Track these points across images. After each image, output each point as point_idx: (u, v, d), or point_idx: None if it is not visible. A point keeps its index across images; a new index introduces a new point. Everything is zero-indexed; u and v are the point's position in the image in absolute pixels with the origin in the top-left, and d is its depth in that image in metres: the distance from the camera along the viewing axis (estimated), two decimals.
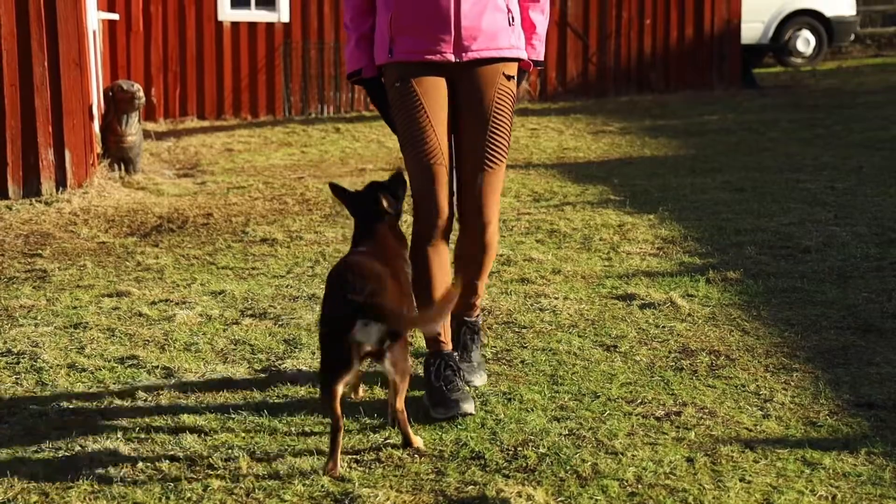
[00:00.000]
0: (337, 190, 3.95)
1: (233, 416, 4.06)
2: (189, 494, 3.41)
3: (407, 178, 4.07)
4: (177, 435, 3.89)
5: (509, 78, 4.10)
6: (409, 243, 4.06)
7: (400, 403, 3.62)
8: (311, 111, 14.58)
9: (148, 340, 4.97)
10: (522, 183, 8.79)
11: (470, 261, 4.21)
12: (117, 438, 3.86)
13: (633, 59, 15.94)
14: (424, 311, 3.91)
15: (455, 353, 4.15)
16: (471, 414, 3.89)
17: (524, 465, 3.56)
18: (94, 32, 11.24)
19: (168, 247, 6.93)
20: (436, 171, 4.02)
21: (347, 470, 3.54)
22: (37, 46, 8.14)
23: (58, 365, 4.65)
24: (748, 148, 10.57)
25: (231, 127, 13.33)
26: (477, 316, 4.38)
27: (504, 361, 4.55)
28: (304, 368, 4.51)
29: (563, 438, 3.75)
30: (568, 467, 3.52)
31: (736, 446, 3.65)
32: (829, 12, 18.59)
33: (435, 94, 4.03)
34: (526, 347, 4.74)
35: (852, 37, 19.80)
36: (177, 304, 5.54)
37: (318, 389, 4.21)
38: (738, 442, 3.69)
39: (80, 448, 3.77)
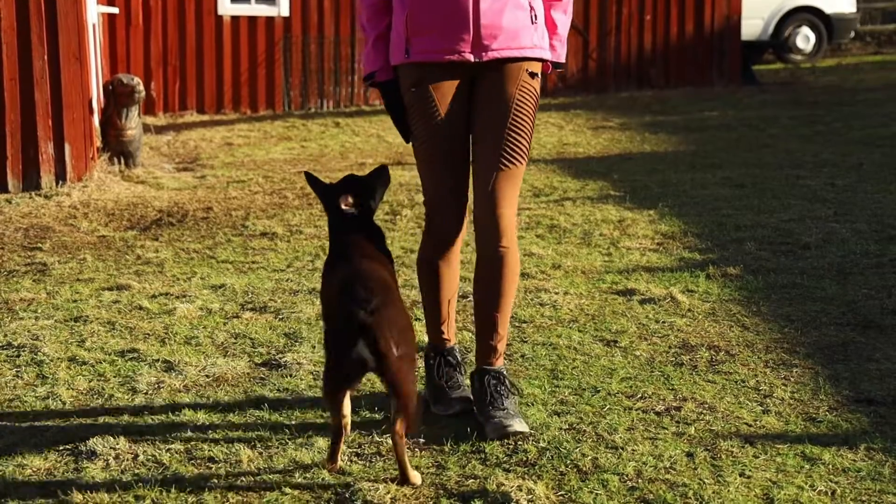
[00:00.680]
0: (312, 180, 3.72)
1: (233, 409, 4.06)
2: (190, 487, 3.41)
3: (389, 173, 3.78)
4: (177, 428, 3.89)
5: (533, 76, 3.83)
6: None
7: (399, 427, 3.30)
8: (310, 106, 14.57)
9: (148, 334, 4.97)
10: (522, 178, 8.78)
11: (487, 285, 3.86)
12: (118, 431, 3.86)
13: (633, 55, 15.95)
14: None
15: (456, 348, 4.04)
16: (470, 410, 3.84)
17: (524, 458, 3.57)
18: (94, 26, 11.23)
19: (168, 240, 6.93)
20: (450, 181, 3.83)
21: (348, 463, 3.54)
22: (37, 40, 8.14)
23: (58, 358, 4.65)
24: (748, 144, 10.57)
25: (231, 121, 13.32)
26: (500, 363, 3.92)
27: (504, 356, 4.55)
28: (304, 362, 4.51)
29: (563, 433, 3.75)
30: (568, 461, 3.53)
31: (736, 441, 3.66)
32: (829, 9, 18.60)
33: (453, 99, 3.79)
34: (526, 342, 4.74)
35: (852, 34, 19.82)
36: (177, 297, 5.55)
37: (319, 383, 4.21)
38: (737, 437, 3.70)
39: (80, 441, 3.77)
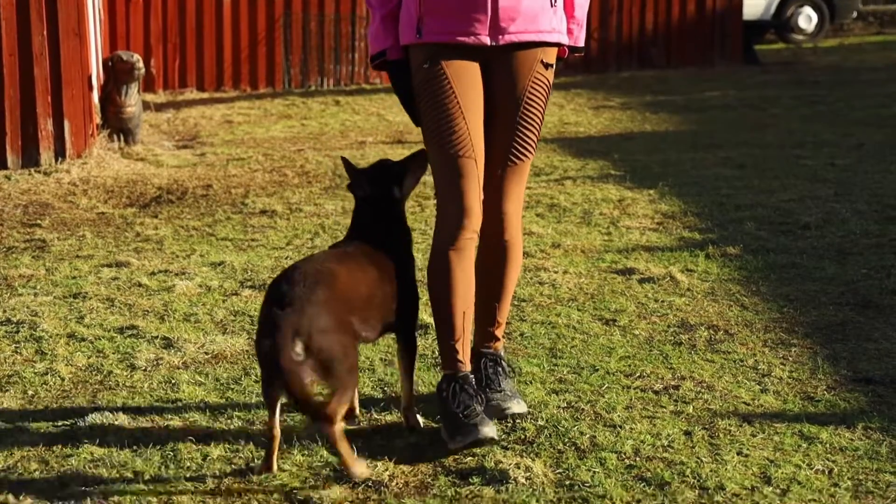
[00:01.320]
0: (348, 166, 3.62)
1: (232, 386, 4.07)
2: (188, 463, 3.42)
3: (427, 158, 3.65)
4: (175, 404, 3.90)
5: (547, 66, 3.67)
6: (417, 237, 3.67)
7: (330, 424, 3.14)
8: (310, 84, 14.53)
9: (147, 311, 4.98)
10: None
11: (488, 272, 3.75)
12: (116, 407, 3.87)
13: (634, 34, 15.89)
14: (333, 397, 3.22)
15: (472, 376, 3.65)
16: (493, 438, 3.45)
17: (522, 437, 3.57)
18: (94, 2, 11.19)
19: (167, 218, 6.93)
20: (463, 165, 3.56)
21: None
22: (36, 16, 8.11)
23: (57, 334, 4.65)
24: (749, 124, 10.55)
25: (230, 99, 13.29)
26: (497, 349, 3.85)
27: (503, 335, 4.55)
28: None
29: (561, 411, 3.75)
30: (566, 439, 3.53)
31: (734, 420, 3.66)
32: None
33: (467, 79, 3.59)
34: (525, 321, 4.75)
35: (854, 14, 19.74)
36: (176, 274, 5.55)
37: None
38: (735, 416, 3.70)
39: (79, 417, 3.78)
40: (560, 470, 3.33)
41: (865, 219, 6.34)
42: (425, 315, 4.42)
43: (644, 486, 3.22)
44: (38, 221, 6.85)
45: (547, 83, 3.70)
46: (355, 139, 10.08)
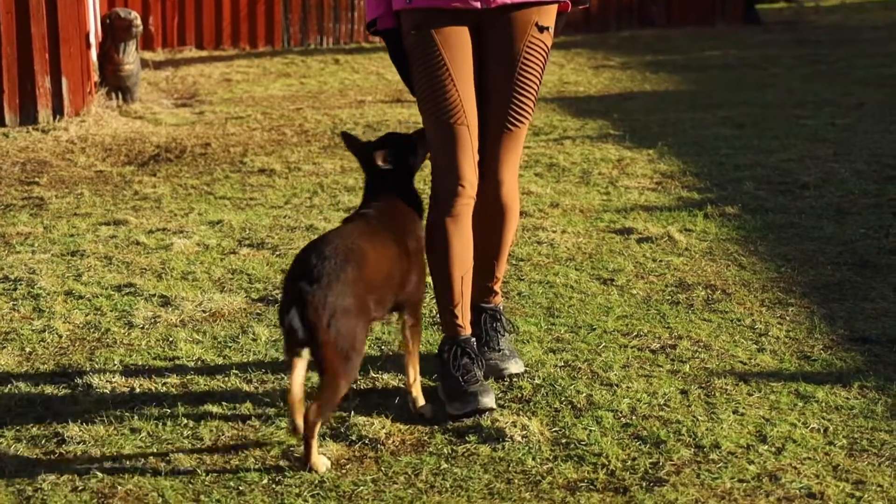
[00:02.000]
0: (349, 140, 3.56)
1: (229, 344, 4.08)
2: (185, 421, 3.43)
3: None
4: (173, 362, 3.91)
5: (542, 29, 3.58)
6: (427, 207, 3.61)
7: (313, 410, 3.08)
8: (310, 42, 14.46)
9: (145, 269, 4.98)
10: None
11: (485, 226, 3.70)
12: (114, 365, 3.87)
13: None
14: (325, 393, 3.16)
15: (473, 339, 3.66)
16: (491, 408, 3.44)
17: (519, 395, 3.58)
18: None
19: (166, 176, 6.91)
20: (457, 132, 3.52)
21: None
22: None
23: (55, 292, 4.66)
24: (749, 84, 10.51)
25: (229, 57, 13.23)
26: (497, 303, 3.86)
27: (501, 294, 4.55)
28: None
29: (558, 370, 3.76)
30: (563, 398, 3.54)
31: (730, 379, 3.67)
32: None
33: (458, 46, 3.52)
34: (523, 280, 4.75)
35: None
36: (174, 233, 5.54)
37: None
38: (732, 375, 3.71)
39: (76, 374, 3.79)
40: (556, 428, 3.34)
41: (864, 178, 6.33)
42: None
43: (640, 445, 3.23)
44: (36, 179, 6.84)
45: (544, 47, 3.61)
46: (354, 98, 10.04)
